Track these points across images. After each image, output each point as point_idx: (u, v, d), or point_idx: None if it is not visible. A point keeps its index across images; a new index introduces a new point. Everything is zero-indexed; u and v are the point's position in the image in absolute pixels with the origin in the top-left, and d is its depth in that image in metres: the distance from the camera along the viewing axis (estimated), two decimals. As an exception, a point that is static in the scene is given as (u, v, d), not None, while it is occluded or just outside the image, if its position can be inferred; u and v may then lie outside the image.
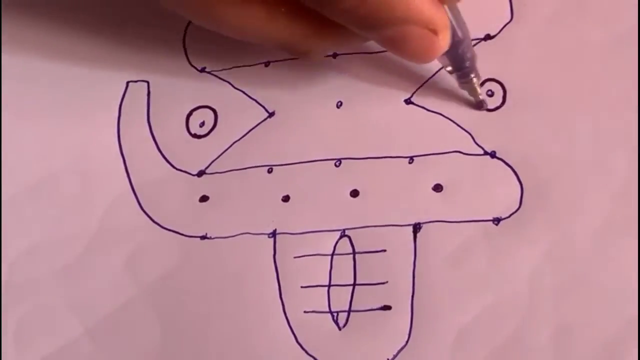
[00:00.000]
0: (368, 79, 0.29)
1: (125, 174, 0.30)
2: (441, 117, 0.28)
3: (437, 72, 0.29)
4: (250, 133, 0.30)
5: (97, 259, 0.29)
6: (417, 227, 0.27)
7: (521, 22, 0.29)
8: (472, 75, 0.27)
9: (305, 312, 0.27)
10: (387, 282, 0.27)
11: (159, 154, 0.31)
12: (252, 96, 0.31)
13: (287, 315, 0.27)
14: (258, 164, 0.29)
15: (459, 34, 0.26)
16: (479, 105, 0.28)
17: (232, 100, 0.31)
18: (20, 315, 0.29)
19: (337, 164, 0.29)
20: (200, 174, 0.30)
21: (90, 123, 0.32)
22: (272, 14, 0.26)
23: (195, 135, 0.31)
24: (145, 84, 0.32)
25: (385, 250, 0.27)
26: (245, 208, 0.29)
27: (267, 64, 0.31)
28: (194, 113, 0.31)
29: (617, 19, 0.28)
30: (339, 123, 0.29)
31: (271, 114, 0.30)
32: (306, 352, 0.27)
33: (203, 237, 0.29)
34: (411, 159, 0.28)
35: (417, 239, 0.27)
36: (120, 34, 0.33)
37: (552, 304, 0.25)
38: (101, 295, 0.29)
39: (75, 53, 0.33)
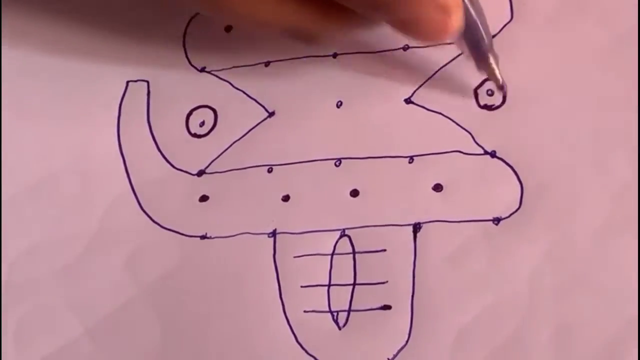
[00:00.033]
0: (368, 78, 0.29)
1: (125, 174, 0.30)
2: (441, 116, 0.28)
3: (437, 71, 0.29)
4: (250, 133, 0.30)
5: (97, 259, 0.29)
6: (417, 227, 0.27)
7: (521, 22, 0.29)
8: (490, 58, 0.27)
9: (305, 311, 0.27)
10: (387, 281, 0.27)
11: (159, 153, 0.31)
12: (252, 96, 0.31)
13: (287, 315, 0.27)
14: (258, 164, 0.29)
15: (473, 13, 0.26)
16: (500, 87, 0.27)
17: (232, 100, 0.31)
18: (20, 315, 0.29)
19: (337, 163, 0.29)
20: (200, 173, 0.30)
21: (90, 123, 0.32)
22: None
23: (195, 135, 0.31)
24: (145, 83, 0.32)
25: (385, 250, 0.27)
26: (245, 208, 0.29)
27: (267, 64, 0.31)
28: (194, 113, 0.31)
29: (617, 19, 0.28)
30: (339, 123, 0.29)
31: (271, 114, 0.30)
32: (306, 351, 0.27)
33: (203, 237, 0.29)
34: (411, 159, 0.28)
35: (417, 239, 0.27)
36: (120, 34, 0.33)
37: (552, 304, 0.25)
38: (101, 295, 0.29)
39: (75, 53, 0.33)
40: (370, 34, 0.30)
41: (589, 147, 0.26)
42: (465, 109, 0.28)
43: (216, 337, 0.27)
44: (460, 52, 0.28)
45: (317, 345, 0.27)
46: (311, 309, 0.27)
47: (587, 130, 0.27)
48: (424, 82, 0.29)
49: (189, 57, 0.32)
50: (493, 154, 0.27)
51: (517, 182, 0.27)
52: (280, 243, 0.28)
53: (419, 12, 0.24)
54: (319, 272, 0.27)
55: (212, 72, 0.31)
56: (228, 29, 0.32)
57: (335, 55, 0.30)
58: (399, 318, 0.26)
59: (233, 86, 0.31)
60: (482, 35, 0.26)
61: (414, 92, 0.29)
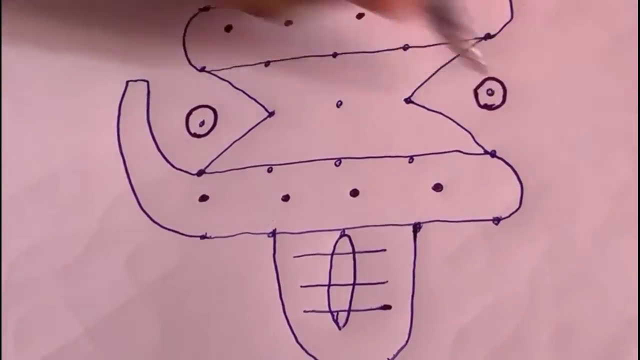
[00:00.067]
0: (368, 78, 0.29)
1: (125, 174, 0.30)
2: (441, 116, 0.28)
3: (437, 70, 0.29)
4: (250, 132, 0.30)
5: (97, 259, 0.29)
6: (417, 227, 0.27)
7: (521, 21, 0.29)
8: (459, 34, 0.26)
9: (305, 311, 0.27)
10: (387, 281, 0.27)
11: (159, 153, 0.31)
12: (252, 96, 0.31)
13: (287, 314, 0.27)
14: (258, 164, 0.29)
15: None
16: (477, 67, 0.26)
17: (232, 100, 0.31)
18: (20, 315, 0.29)
19: (337, 163, 0.29)
20: (200, 173, 0.30)
21: (90, 123, 0.32)
22: None
23: (195, 135, 0.31)
24: (145, 83, 0.32)
25: (385, 250, 0.27)
26: (245, 207, 0.29)
27: (267, 64, 0.31)
28: (194, 112, 0.31)
29: (617, 19, 0.28)
30: (339, 123, 0.29)
31: (271, 114, 0.30)
32: (306, 351, 0.27)
33: (203, 237, 0.29)
34: (411, 159, 0.28)
35: (417, 239, 0.27)
36: (120, 34, 0.33)
37: (552, 304, 0.25)
38: (101, 295, 0.29)
39: (75, 53, 0.33)
40: (371, 34, 0.30)
41: (589, 147, 0.26)
42: (465, 108, 0.28)
43: (216, 337, 0.27)
44: (460, 52, 0.28)
45: (317, 345, 0.27)
46: (311, 309, 0.27)
47: (587, 130, 0.27)
48: (424, 82, 0.29)
49: (189, 57, 0.32)
50: (493, 154, 0.27)
51: (517, 182, 0.27)
52: (280, 243, 0.28)
53: None
54: (319, 272, 0.27)
55: (212, 72, 0.31)
56: (228, 28, 0.32)
57: (335, 55, 0.30)
58: (399, 318, 0.26)
59: (233, 86, 0.31)
60: (448, 8, 0.25)
61: (414, 92, 0.29)
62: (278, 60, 0.31)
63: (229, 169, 0.30)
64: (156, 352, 0.28)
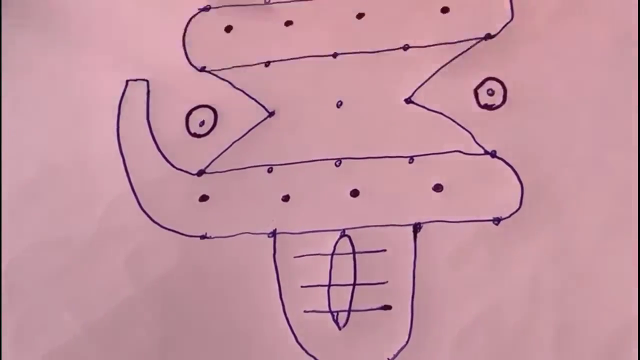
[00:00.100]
0: (368, 79, 0.29)
1: (125, 174, 0.30)
2: (441, 116, 0.28)
3: (437, 71, 0.29)
4: (250, 132, 0.30)
5: (97, 259, 0.29)
6: (417, 227, 0.27)
7: (522, 21, 0.29)
8: None
9: (305, 311, 0.27)
10: (387, 282, 0.27)
11: (159, 153, 0.31)
12: (252, 96, 0.31)
13: (287, 315, 0.27)
14: (258, 164, 0.29)
15: None
16: None
17: (232, 100, 0.31)
18: (20, 315, 0.29)
19: (337, 163, 0.29)
20: (200, 173, 0.30)
21: (90, 122, 0.31)
22: None
23: (195, 135, 0.31)
24: (145, 82, 0.32)
25: (385, 250, 0.27)
26: (245, 208, 0.29)
27: (267, 64, 0.31)
28: (194, 112, 0.31)
29: (618, 19, 0.28)
30: (339, 123, 0.29)
31: (271, 114, 0.30)
32: (306, 351, 0.27)
33: (203, 237, 0.29)
34: (411, 159, 0.28)
35: (417, 239, 0.27)
36: (120, 33, 0.33)
37: (553, 304, 0.25)
38: (101, 295, 0.29)
39: (75, 52, 0.33)
40: (371, 34, 0.30)
41: (589, 146, 0.27)
42: (465, 109, 0.28)
43: (216, 337, 0.27)
44: (460, 52, 0.28)
45: (317, 345, 0.27)
46: (311, 309, 0.27)
47: (587, 130, 0.27)
48: (424, 82, 0.29)
49: (189, 56, 0.32)
50: (493, 154, 0.27)
51: (518, 182, 0.27)
52: (281, 243, 0.28)
53: None
54: (319, 272, 0.27)
55: (212, 72, 0.31)
56: (228, 29, 0.32)
57: (335, 55, 0.30)
58: (399, 318, 0.26)
59: (233, 86, 0.31)
60: None
61: (414, 91, 0.29)
62: (278, 61, 0.31)
63: (229, 169, 0.30)
64: (156, 352, 0.28)
